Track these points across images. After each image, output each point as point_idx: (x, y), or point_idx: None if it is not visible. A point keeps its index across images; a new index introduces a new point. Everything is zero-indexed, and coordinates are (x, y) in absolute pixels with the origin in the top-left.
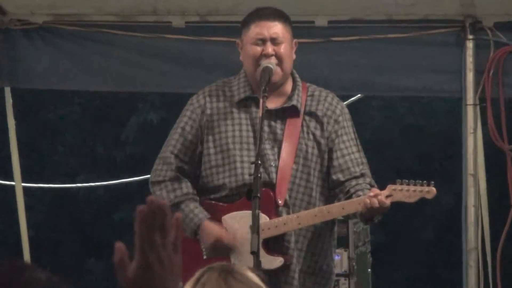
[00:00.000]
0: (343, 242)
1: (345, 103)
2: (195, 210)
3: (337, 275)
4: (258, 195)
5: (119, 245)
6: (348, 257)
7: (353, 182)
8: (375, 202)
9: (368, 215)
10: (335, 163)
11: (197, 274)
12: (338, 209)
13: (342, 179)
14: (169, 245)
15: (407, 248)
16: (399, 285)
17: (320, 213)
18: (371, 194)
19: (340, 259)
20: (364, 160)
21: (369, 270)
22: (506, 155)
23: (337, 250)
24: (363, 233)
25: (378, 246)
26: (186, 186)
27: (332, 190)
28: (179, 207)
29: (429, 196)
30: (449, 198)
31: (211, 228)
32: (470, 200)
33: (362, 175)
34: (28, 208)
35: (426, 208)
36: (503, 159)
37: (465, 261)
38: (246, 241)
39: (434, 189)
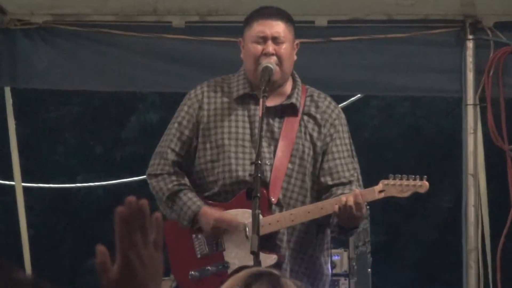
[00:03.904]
0: (343, 242)
1: (345, 103)
2: (194, 198)
3: (337, 275)
4: (258, 195)
5: (101, 248)
6: (348, 257)
7: (339, 190)
8: (351, 200)
9: (345, 216)
10: (325, 165)
11: (244, 278)
12: (331, 205)
13: (330, 182)
14: (150, 244)
15: (407, 248)
16: (399, 285)
17: (314, 209)
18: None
19: (340, 259)
20: (356, 166)
21: (369, 270)
22: (506, 155)
23: (337, 250)
24: (363, 233)
25: (378, 246)
26: (184, 179)
27: (320, 194)
28: (177, 195)
29: (421, 190)
30: (449, 198)
31: (211, 211)
32: (470, 200)
33: (350, 182)
34: (28, 208)
35: (426, 208)
36: (503, 159)
37: (465, 261)
38: (240, 240)
39: (426, 183)
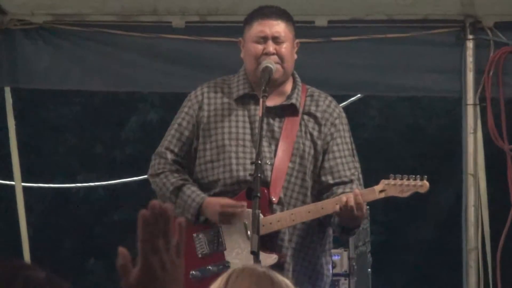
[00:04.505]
0: (343, 242)
1: (345, 103)
2: (197, 191)
3: (337, 275)
4: (258, 194)
5: (122, 250)
6: (348, 257)
7: (340, 189)
8: (351, 200)
9: (346, 216)
10: (326, 164)
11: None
12: (332, 205)
13: (331, 181)
14: (171, 249)
15: (407, 248)
16: (399, 285)
17: (315, 209)
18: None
19: (340, 259)
20: (357, 165)
21: (369, 270)
22: (506, 155)
23: (337, 250)
24: (363, 233)
25: (378, 246)
26: (185, 175)
27: (321, 193)
28: (181, 189)
29: (422, 190)
30: (449, 198)
31: (216, 200)
32: (470, 200)
33: (351, 181)
34: (28, 208)
35: (426, 208)
36: (503, 159)
37: (465, 261)
38: (241, 239)
39: (427, 183)
